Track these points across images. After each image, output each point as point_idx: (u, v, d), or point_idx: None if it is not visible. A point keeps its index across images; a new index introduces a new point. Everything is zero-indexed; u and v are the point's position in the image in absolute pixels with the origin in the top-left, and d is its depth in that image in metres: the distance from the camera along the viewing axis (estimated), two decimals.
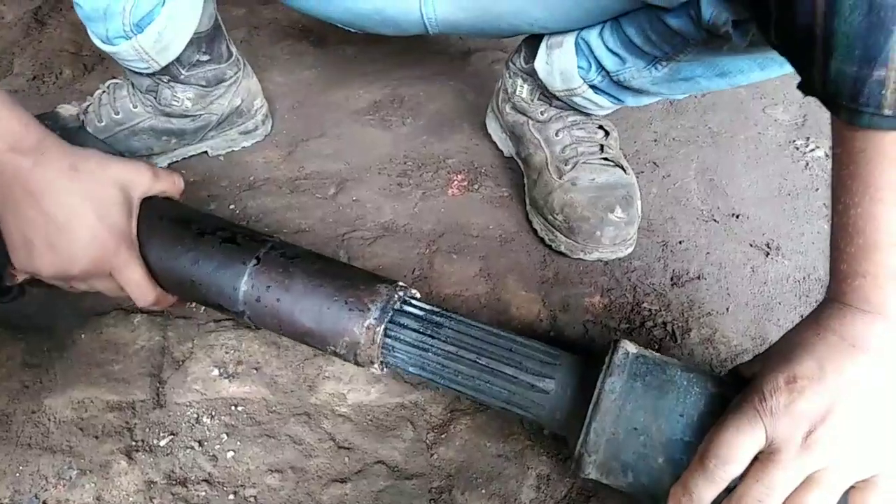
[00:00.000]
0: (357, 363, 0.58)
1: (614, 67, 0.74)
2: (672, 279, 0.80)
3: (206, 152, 0.95)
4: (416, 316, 0.57)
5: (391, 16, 0.78)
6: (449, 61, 1.14)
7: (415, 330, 0.56)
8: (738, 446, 0.44)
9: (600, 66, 0.76)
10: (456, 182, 0.92)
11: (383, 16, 0.79)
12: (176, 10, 0.77)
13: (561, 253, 0.81)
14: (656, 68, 0.71)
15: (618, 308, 0.77)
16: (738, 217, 0.88)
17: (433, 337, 0.56)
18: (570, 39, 0.78)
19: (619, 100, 0.80)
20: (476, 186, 0.91)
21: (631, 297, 0.78)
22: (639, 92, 0.77)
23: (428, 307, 0.58)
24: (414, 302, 0.58)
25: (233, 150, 0.96)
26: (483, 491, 0.61)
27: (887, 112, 0.39)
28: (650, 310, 0.76)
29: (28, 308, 0.75)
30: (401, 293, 0.58)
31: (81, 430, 0.65)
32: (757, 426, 0.43)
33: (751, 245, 0.84)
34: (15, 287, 0.63)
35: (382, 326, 0.55)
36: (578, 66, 0.77)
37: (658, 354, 0.53)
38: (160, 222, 0.62)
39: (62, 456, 0.62)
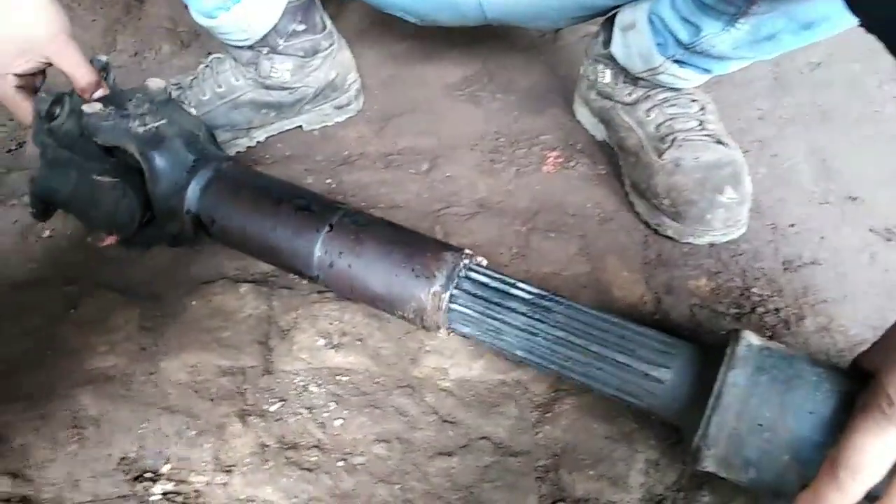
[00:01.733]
0: (424, 327, 0.61)
1: (689, 38, 0.70)
2: (784, 264, 0.76)
3: (300, 126, 0.96)
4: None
5: None
6: (538, 35, 1.11)
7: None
8: (869, 453, 0.41)
9: (676, 40, 0.72)
10: (551, 159, 0.90)
11: None
12: None
13: (668, 237, 0.78)
14: (735, 27, 0.66)
15: (725, 292, 0.74)
16: (854, 200, 0.82)
17: (540, 320, 0.56)
18: (642, 17, 0.74)
19: (705, 69, 0.76)
20: (572, 164, 0.89)
21: (740, 282, 0.74)
22: (721, 59, 0.73)
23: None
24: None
25: (326, 125, 0.97)
26: (591, 472, 0.60)
27: None
28: (761, 295, 0.73)
29: (140, 275, 0.78)
30: (466, 261, 0.59)
31: (196, 393, 0.67)
32: (888, 430, 0.40)
33: (869, 230, 0.79)
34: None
35: (448, 293, 0.58)
36: (657, 44, 0.74)
37: (783, 347, 0.51)
38: (241, 191, 0.67)
39: (181, 416, 0.65)
